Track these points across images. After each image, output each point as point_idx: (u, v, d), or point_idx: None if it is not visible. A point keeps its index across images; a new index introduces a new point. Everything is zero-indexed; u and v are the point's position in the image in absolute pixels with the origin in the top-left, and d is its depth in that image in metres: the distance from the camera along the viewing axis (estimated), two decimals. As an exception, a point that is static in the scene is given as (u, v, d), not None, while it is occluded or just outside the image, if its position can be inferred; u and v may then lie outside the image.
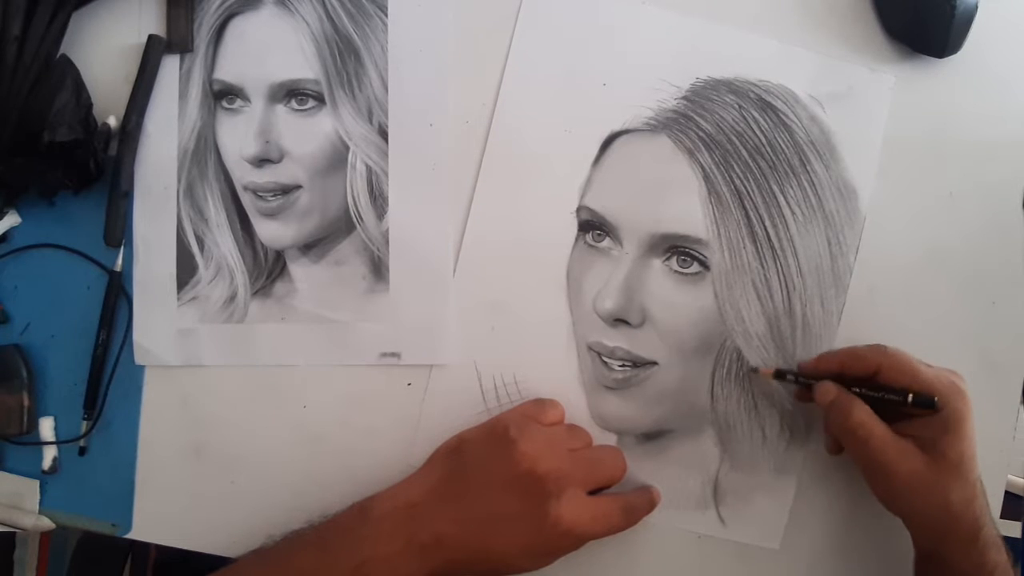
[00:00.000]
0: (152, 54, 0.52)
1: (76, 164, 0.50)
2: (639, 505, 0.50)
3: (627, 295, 0.52)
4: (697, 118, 0.52)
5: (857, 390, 0.47)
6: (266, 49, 0.52)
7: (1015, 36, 0.54)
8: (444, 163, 0.53)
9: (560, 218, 0.53)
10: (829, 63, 0.53)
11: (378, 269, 0.53)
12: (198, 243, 0.53)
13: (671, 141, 0.52)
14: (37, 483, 0.53)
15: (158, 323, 0.53)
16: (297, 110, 0.53)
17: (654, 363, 0.52)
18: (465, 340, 0.53)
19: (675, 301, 0.52)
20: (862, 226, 0.53)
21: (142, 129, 0.52)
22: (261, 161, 0.53)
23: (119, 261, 0.53)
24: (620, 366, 0.52)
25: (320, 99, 0.53)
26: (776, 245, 0.52)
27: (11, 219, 0.53)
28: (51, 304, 0.54)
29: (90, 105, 0.51)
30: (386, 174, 0.53)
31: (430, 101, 0.53)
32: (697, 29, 0.53)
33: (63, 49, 0.52)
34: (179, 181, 0.53)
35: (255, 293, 0.53)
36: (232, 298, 0.53)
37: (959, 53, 0.53)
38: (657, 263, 0.52)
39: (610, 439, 0.53)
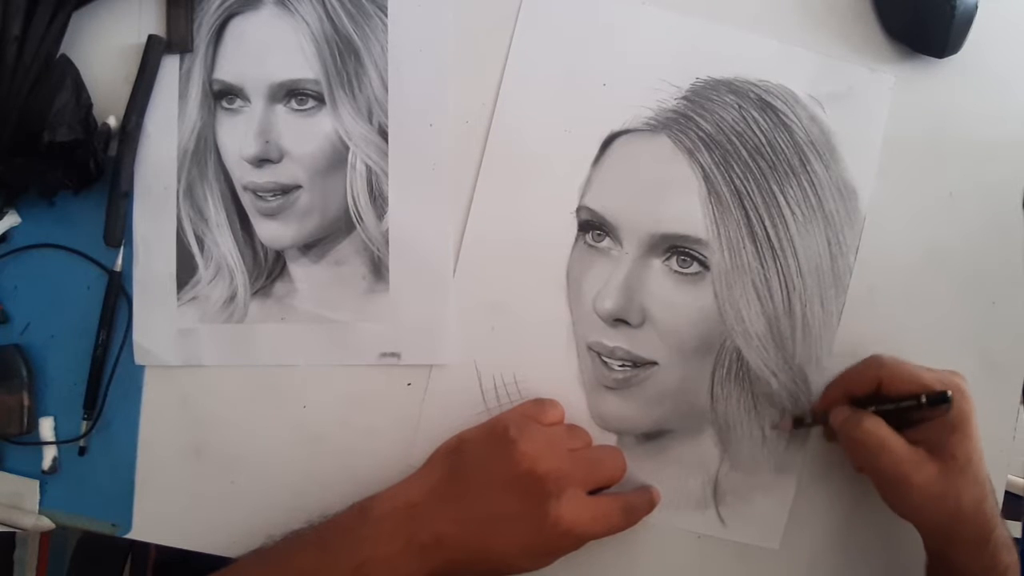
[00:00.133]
0: (152, 54, 0.52)
1: (76, 164, 0.50)
2: (639, 505, 0.50)
3: (627, 295, 0.52)
4: (697, 118, 0.52)
5: (872, 409, 0.47)
6: (266, 49, 0.52)
7: (1015, 36, 0.54)
8: (444, 163, 0.53)
9: (560, 218, 0.53)
10: (829, 63, 0.53)
11: (378, 269, 0.53)
12: (198, 243, 0.53)
13: (671, 141, 0.52)
14: (37, 483, 0.53)
15: (158, 323, 0.53)
16: (297, 110, 0.53)
17: (654, 363, 0.52)
18: (465, 340, 0.53)
19: (675, 301, 0.52)
20: (862, 226, 0.53)
21: (142, 129, 0.52)
22: (261, 161, 0.53)
23: (119, 261, 0.53)
24: (620, 366, 0.52)
25: (320, 99, 0.53)
26: (776, 245, 0.52)
27: (11, 219, 0.53)
28: (51, 304, 0.54)
29: (90, 105, 0.51)
30: (386, 174, 0.53)
31: (430, 101, 0.53)
32: (697, 29, 0.53)
33: (63, 49, 0.52)
34: (179, 181, 0.53)
35: (255, 293, 0.53)
36: (232, 298, 0.53)
37: (959, 53, 0.53)
38: (657, 263, 0.52)
39: (610, 439, 0.53)
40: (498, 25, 0.52)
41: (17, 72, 0.49)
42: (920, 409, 0.46)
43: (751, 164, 0.52)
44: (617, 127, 0.52)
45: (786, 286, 0.52)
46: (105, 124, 0.52)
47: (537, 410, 0.50)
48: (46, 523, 0.53)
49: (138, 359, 0.53)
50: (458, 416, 0.52)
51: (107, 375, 0.53)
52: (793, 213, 0.52)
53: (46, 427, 0.53)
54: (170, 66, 0.53)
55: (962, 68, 0.54)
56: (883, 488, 0.48)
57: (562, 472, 0.46)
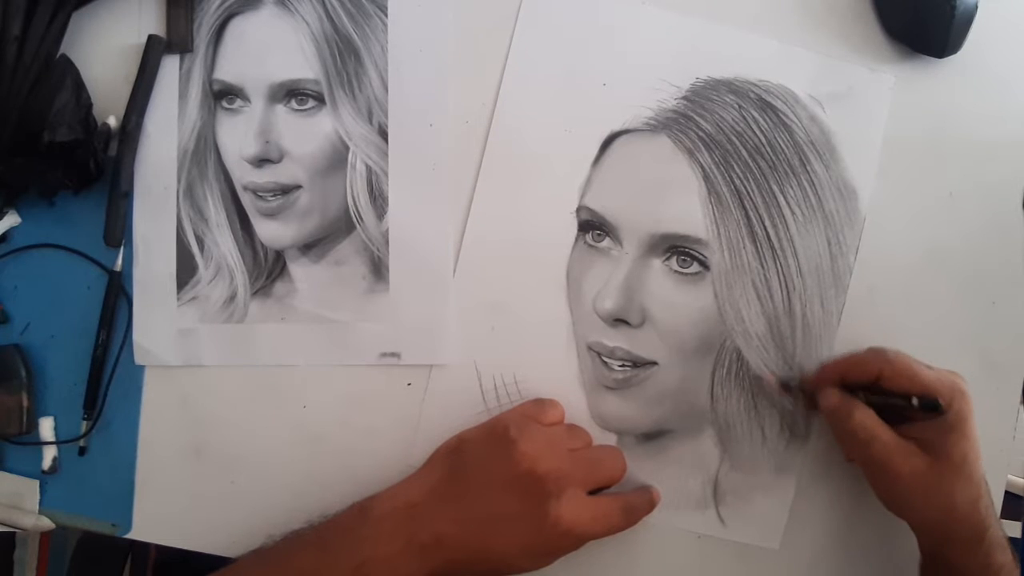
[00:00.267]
0: (152, 54, 0.52)
1: (76, 164, 0.50)
2: (639, 505, 0.50)
3: (627, 295, 0.52)
4: (697, 118, 0.52)
5: (862, 396, 0.47)
6: (266, 49, 0.52)
7: (1015, 36, 0.54)
8: (444, 163, 0.53)
9: (560, 218, 0.53)
10: (829, 63, 0.53)
11: (378, 269, 0.53)
12: (198, 243, 0.53)
13: (671, 141, 0.52)
14: (37, 483, 0.53)
15: (158, 323, 0.53)
16: (297, 110, 0.53)
17: (654, 363, 0.52)
18: (465, 340, 0.53)
19: (675, 301, 0.52)
20: (862, 226, 0.53)
21: (142, 129, 0.52)
22: (261, 161, 0.53)
23: (119, 261, 0.53)
24: (620, 366, 0.52)
25: (320, 99, 0.53)
26: (776, 245, 0.52)
27: (11, 219, 0.53)
28: (51, 304, 0.54)
29: (90, 105, 0.51)
30: (386, 174, 0.53)
31: (430, 101, 0.53)
32: (697, 29, 0.53)
33: (63, 49, 0.52)
34: (179, 181, 0.53)
35: (255, 293, 0.53)
36: (232, 298, 0.53)
37: (959, 53, 0.53)
38: (657, 263, 0.52)
39: (610, 439, 0.53)
40: (498, 25, 0.52)
41: (17, 72, 0.49)
42: (909, 409, 0.46)
43: (751, 164, 0.52)
44: (617, 127, 0.52)
45: (786, 286, 0.52)
46: (105, 124, 0.52)
47: (537, 410, 0.50)
48: (46, 523, 0.53)
49: (138, 359, 0.53)
50: (458, 416, 0.52)
51: (107, 375, 0.53)
52: (793, 213, 0.52)
53: (46, 427, 0.53)
54: (170, 66, 0.53)
55: (962, 68, 0.54)
56: (873, 479, 0.48)
57: (562, 472, 0.46)
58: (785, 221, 0.52)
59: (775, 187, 0.52)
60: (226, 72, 0.53)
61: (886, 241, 0.53)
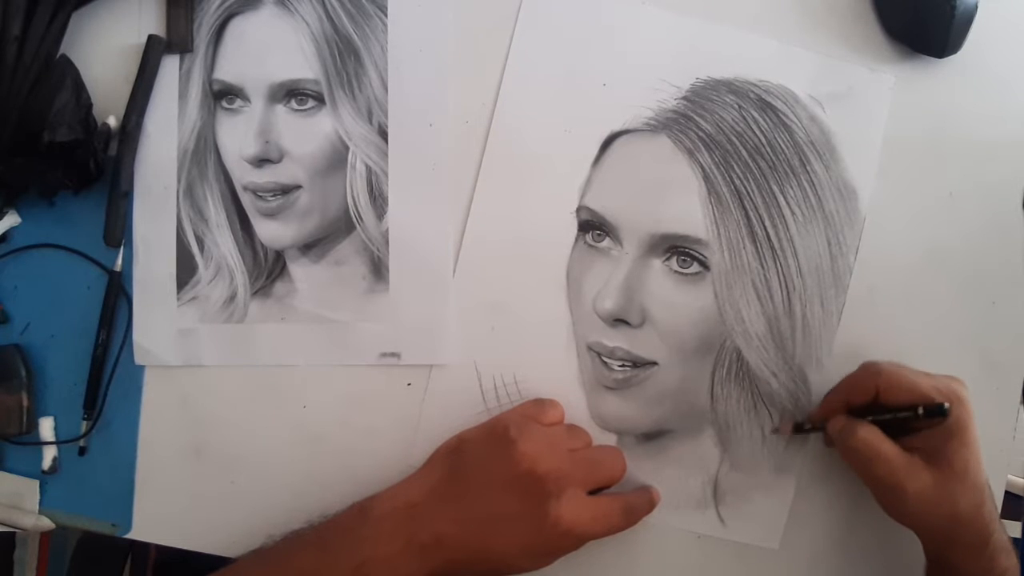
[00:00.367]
0: (152, 54, 0.52)
1: (76, 164, 0.50)
2: (639, 505, 0.50)
3: (627, 295, 0.52)
4: (697, 118, 0.52)
5: (870, 419, 0.47)
6: (266, 49, 0.52)
7: (1015, 36, 0.54)
8: (444, 163, 0.53)
9: (560, 218, 0.53)
10: (829, 63, 0.53)
11: (378, 269, 0.53)
12: (198, 243, 0.53)
13: (671, 141, 0.52)
14: (37, 483, 0.53)
15: (158, 323, 0.53)
16: (297, 110, 0.53)
17: (654, 363, 0.52)
18: (465, 340, 0.53)
19: (675, 301, 0.52)
20: (862, 226, 0.53)
21: (142, 129, 0.52)
22: (261, 161, 0.53)
23: (119, 261, 0.53)
24: (620, 366, 0.52)
25: (320, 99, 0.53)
26: (776, 245, 0.52)
27: (11, 219, 0.53)
28: (51, 304, 0.54)
29: (90, 105, 0.51)
30: (386, 174, 0.53)
31: (430, 101, 0.53)
32: (697, 29, 0.53)
33: (63, 49, 0.52)
34: (179, 181, 0.53)
35: (255, 293, 0.53)
36: (232, 298, 0.53)
37: (959, 53, 0.53)
38: (657, 263, 0.52)
39: (610, 439, 0.53)
40: (498, 25, 0.52)
41: (17, 72, 0.49)
42: (917, 419, 0.46)
43: (751, 164, 0.52)
44: (617, 127, 0.52)
45: (786, 286, 0.52)
46: (105, 124, 0.52)
47: (537, 410, 0.50)
48: (46, 523, 0.53)
49: (138, 359, 0.53)
50: (458, 416, 0.52)
51: (107, 375, 0.53)
52: (793, 213, 0.52)
53: (46, 427, 0.53)
54: (170, 66, 0.53)
55: (962, 68, 0.54)
56: (879, 496, 0.48)
57: (562, 472, 0.46)
58: (785, 221, 0.52)
59: (775, 187, 0.52)
60: (226, 72, 0.53)
61: (886, 241, 0.53)
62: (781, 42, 0.53)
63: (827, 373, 0.52)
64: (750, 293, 0.52)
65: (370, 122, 0.53)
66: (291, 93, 0.53)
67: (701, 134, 0.52)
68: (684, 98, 0.52)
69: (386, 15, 0.52)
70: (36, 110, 0.49)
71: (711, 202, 0.52)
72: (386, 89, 0.52)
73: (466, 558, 0.46)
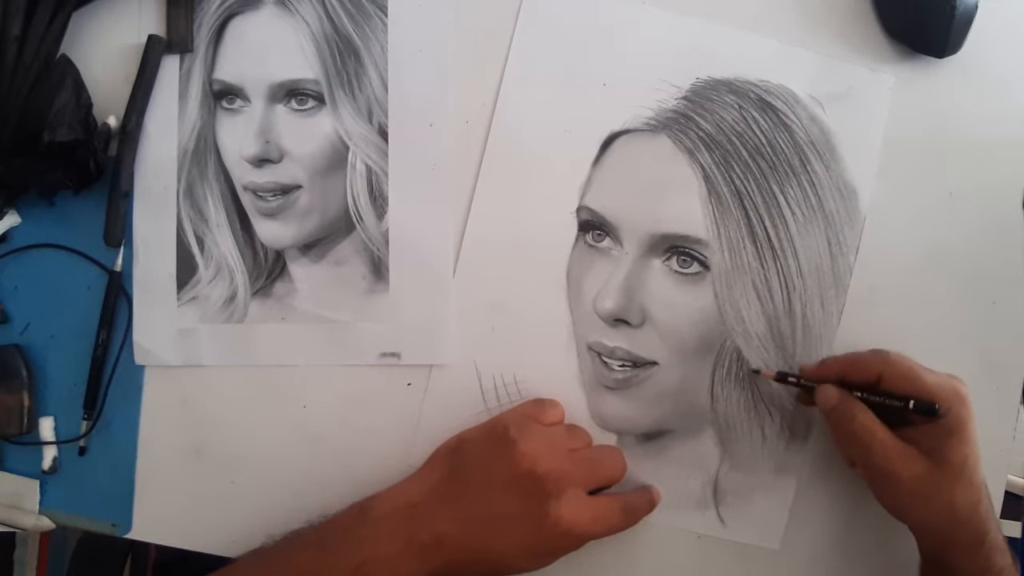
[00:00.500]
0: (152, 54, 0.52)
1: (76, 164, 0.50)
2: (639, 505, 0.50)
3: (627, 295, 0.52)
4: (697, 118, 0.52)
5: (859, 395, 0.47)
6: (266, 49, 0.52)
7: (1015, 36, 0.54)
8: (444, 163, 0.53)
9: (560, 218, 0.53)
10: (829, 63, 0.53)
11: (378, 269, 0.53)
12: (198, 243, 0.53)
13: (671, 141, 0.52)
14: (37, 483, 0.53)
15: (158, 323, 0.53)
16: (297, 110, 0.53)
17: (654, 363, 0.52)
18: (465, 340, 0.53)
19: (675, 301, 0.52)
20: (862, 226, 0.53)
21: (142, 129, 0.52)
22: (261, 161, 0.53)
23: (119, 261, 0.53)
24: (620, 366, 0.52)
25: (320, 99, 0.53)
26: (776, 245, 0.52)
27: (11, 219, 0.53)
28: (51, 304, 0.54)
29: (90, 105, 0.51)
30: (386, 174, 0.53)
31: (430, 101, 0.53)
32: (697, 29, 0.53)
33: (63, 49, 0.52)
34: (179, 181, 0.53)
35: (255, 293, 0.53)
36: (232, 298, 0.53)
37: (959, 53, 0.53)
38: (657, 263, 0.52)
39: (610, 439, 0.53)
40: (498, 25, 0.52)
41: (17, 72, 0.49)
42: (906, 411, 0.46)
43: (751, 164, 0.52)
44: (617, 127, 0.52)
45: (786, 286, 0.52)
46: (105, 124, 0.52)
47: (537, 410, 0.50)
48: (46, 523, 0.53)
49: (138, 359, 0.53)
50: (458, 416, 0.52)
51: (107, 375, 0.53)
52: (793, 213, 0.52)
53: (46, 427, 0.53)
54: (170, 66, 0.53)
55: (962, 68, 0.54)
56: (873, 483, 0.48)
57: (562, 472, 0.46)
58: (785, 221, 0.52)
59: (775, 187, 0.52)
60: (226, 72, 0.53)
61: (886, 241, 0.53)
62: (781, 42, 0.53)
63: (827, 373, 0.52)
64: (750, 293, 0.52)
65: (370, 122, 0.53)
66: (291, 93, 0.53)
67: (701, 134, 0.52)
68: (684, 98, 0.52)
69: (386, 15, 0.52)
70: (36, 110, 0.49)
71: (711, 202, 0.52)
72: (386, 89, 0.52)
73: (466, 558, 0.46)
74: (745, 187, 0.52)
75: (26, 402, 0.53)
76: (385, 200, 0.53)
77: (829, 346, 0.53)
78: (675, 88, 0.52)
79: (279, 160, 0.53)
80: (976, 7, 0.52)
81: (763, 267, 0.52)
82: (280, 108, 0.53)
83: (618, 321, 0.52)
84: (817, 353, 0.52)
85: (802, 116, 0.52)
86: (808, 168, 0.52)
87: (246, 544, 0.50)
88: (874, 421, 0.46)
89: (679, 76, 0.52)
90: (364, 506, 0.47)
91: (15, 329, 0.54)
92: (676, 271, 0.52)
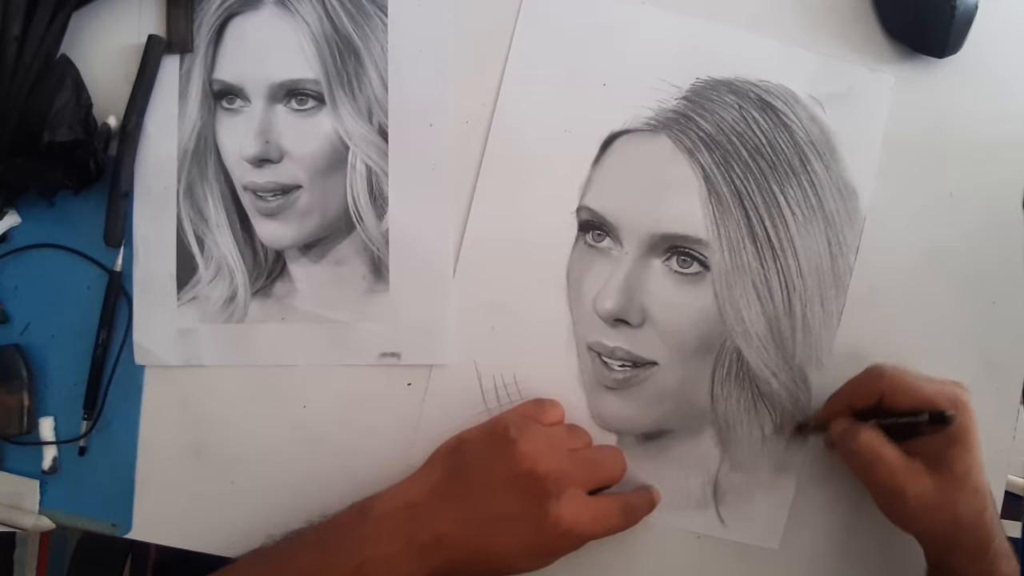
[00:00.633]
0: (152, 54, 0.52)
1: (76, 164, 0.50)
2: (639, 505, 0.50)
3: (627, 295, 0.52)
4: (697, 118, 0.52)
5: (875, 421, 0.47)
6: (266, 49, 0.52)
7: (1015, 36, 0.54)
8: (444, 163, 0.53)
9: (560, 218, 0.53)
10: (829, 63, 0.53)
11: (378, 269, 0.53)
12: (198, 243, 0.53)
13: (671, 141, 0.52)
14: (37, 483, 0.53)
15: (158, 323, 0.53)
16: (297, 110, 0.53)
17: (654, 363, 0.52)
18: (465, 340, 0.53)
19: (675, 301, 0.52)
20: (862, 226, 0.53)
21: (142, 129, 0.52)
22: (261, 161, 0.53)
23: (119, 261, 0.53)
24: (620, 366, 0.52)
25: (320, 99, 0.53)
26: (776, 245, 0.52)
27: (11, 219, 0.53)
28: (51, 304, 0.54)
29: (90, 105, 0.51)
30: (386, 174, 0.53)
31: (430, 101, 0.53)
32: (697, 29, 0.53)
33: (63, 49, 0.52)
34: (179, 181, 0.53)
35: (255, 293, 0.53)
36: (232, 298, 0.53)
37: (959, 53, 0.53)
38: (657, 263, 0.52)
39: (610, 439, 0.53)
40: (498, 25, 0.52)
41: (17, 72, 0.49)
42: (921, 425, 0.46)
43: (751, 164, 0.52)
44: (617, 127, 0.52)
45: (786, 286, 0.52)
46: (105, 124, 0.52)
47: (537, 410, 0.50)
48: (46, 523, 0.53)
49: (138, 359, 0.53)
50: (458, 416, 0.52)
51: (107, 375, 0.53)
52: (793, 213, 0.52)
53: (46, 427, 0.53)
54: (170, 66, 0.53)
55: (962, 68, 0.54)
56: (880, 500, 0.48)
57: (562, 472, 0.46)
58: (785, 221, 0.52)
59: (775, 187, 0.52)
60: (226, 72, 0.53)
61: (886, 241, 0.53)
62: (781, 42, 0.53)
63: (827, 373, 0.52)
64: (750, 293, 0.52)
65: (370, 122, 0.53)
66: (291, 93, 0.53)
67: (701, 134, 0.52)
68: (684, 98, 0.52)
69: (386, 15, 0.52)
70: (36, 110, 0.49)
71: (711, 202, 0.52)
72: (386, 89, 0.52)
73: (466, 558, 0.46)
74: (745, 187, 0.52)
75: (26, 402, 0.53)
76: (385, 200, 0.53)
77: (829, 346, 0.53)
78: (675, 88, 0.52)
79: (279, 160, 0.53)
80: (976, 7, 0.52)
81: (763, 267, 0.52)
82: (280, 108, 0.53)
83: (618, 321, 0.52)
84: (817, 353, 0.52)
85: (802, 116, 0.52)
86: (808, 168, 0.52)
87: (246, 544, 0.50)
88: (878, 439, 0.46)
89: (679, 76, 0.52)
90: (364, 506, 0.47)
91: (15, 329, 0.54)
92: (676, 271, 0.52)
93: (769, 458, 0.53)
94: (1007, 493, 0.56)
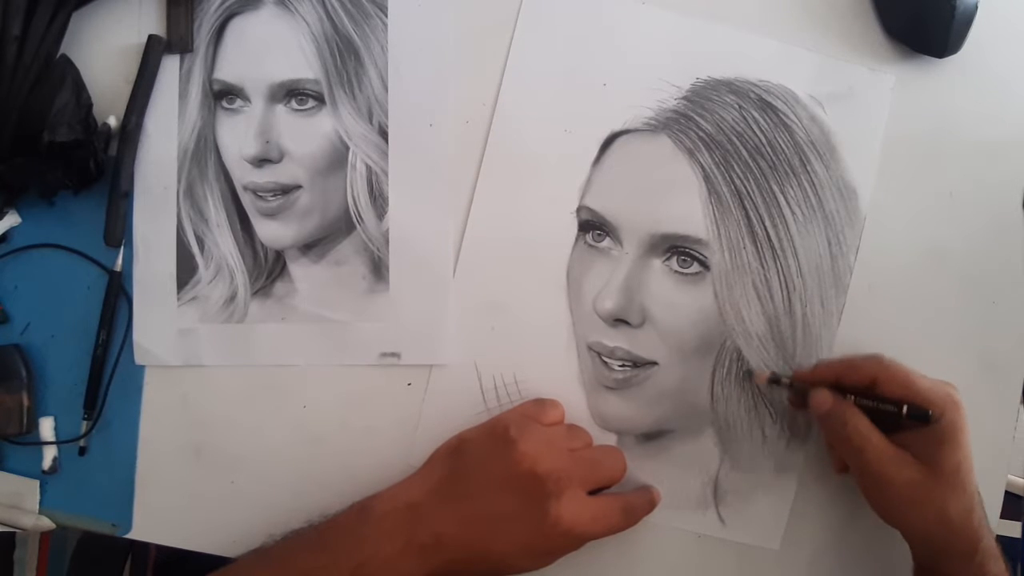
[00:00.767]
0: (152, 54, 0.52)
1: (76, 164, 0.50)
2: (639, 505, 0.50)
3: (627, 295, 0.52)
4: (697, 118, 0.52)
5: (853, 398, 0.47)
6: (266, 49, 0.52)
7: (1015, 36, 0.54)
8: (444, 163, 0.53)
9: (560, 218, 0.53)
10: (829, 63, 0.53)
11: (378, 269, 0.53)
12: (198, 243, 0.53)
13: (671, 141, 0.52)
14: (37, 483, 0.53)
15: (158, 323, 0.53)
16: (297, 110, 0.53)
17: (654, 363, 0.52)
18: (465, 340, 0.53)
19: (675, 301, 0.52)
20: (862, 226, 0.53)
21: (142, 129, 0.52)
22: (261, 161, 0.53)
23: (119, 261, 0.53)
24: (620, 366, 0.52)
25: (320, 99, 0.53)
26: (776, 245, 0.52)
27: (11, 219, 0.53)
28: (51, 304, 0.54)
29: (90, 105, 0.51)
30: (386, 174, 0.53)
31: (430, 101, 0.53)
32: (697, 29, 0.53)
33: (63, 49, 0.52)
34: (179, 181, 0.53)
35: (255, 293, 0.53)
36: (232, 298, 0.53)
37: (959, 53, 0.53)
38: (657, 263, 0.52)
39: (610, 439, 0.53)
40: (498, 25, 0.52)
41: (17, 72, 0.49)
42: (899, 416, 0.46)
43: (751, 164, 0.52)
44: (617, 127, 0.52)
45: (786, 286, 0.52)
46: (105, 124, 0.52)
47: (537, 410, 0.50)
48: (46, 523, 0.53)
49: (138, 359, 0.53)
50: (458, 416, 0.52)
51: (107, 375, 0.53)
52: (793, 213, 0.52)
53: (46, 427, 0.53)
54: (170, 66, 0.53)
55: (962, 68, 0.54)
56: (865, 487, 0.48)
57: (562, 472, 0.46)
58: (785, 221, 0.52)
59: (775, 187, 0.52)
60: (226, 72, 0.53)
61: (886, 241, 0.53)
62: (781, 42, 0.53)
63: (827, 373, 0.52)
64: (750, 293, 0.52)
65: (370, 122, 0.53)
66: (291, 93, 0.53)
67: (701, 134, 0.52)
68: (684, 98, 0.52)
69: (386, 15, 0.52)
70: (36, 110, 0.49)
71: (711, 202, 0.52)
72: (386, 89, 0.52)
73: (466, 558, 0.46)
74: (745, 187, 0.52)
75: (26, 402, 0.53)
76: (385, 200, 0.53)
77: (829, 346, 0.53)
78: (675, 88, 0.52)
79: (279, 160, 0.53)
80: (976, 7, 0.52)
81: (763, 267, 0.52)
82: (280, 108, 0.53)
83: (618, 321, 0.52)
84: (817, 353, 0.52)
85: (802, 116, 0.52)
86: (808, 168, 0.52)
87: (246, 544, 0.50)
88: (867, 425, 0.46)
89: (679, 76, 0.52)
90: (364, 506, 0.47)
91: (15, 329, 0.54)
92: (676, 271, 0.52)
93: (769, 458, 0.53)
94: (1007, 493, 0.56)
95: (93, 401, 0.53)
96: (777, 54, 0.53)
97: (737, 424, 0.53)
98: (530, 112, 0.53)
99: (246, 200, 0.53)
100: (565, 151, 0.53)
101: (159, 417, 0.53)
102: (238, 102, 0.53)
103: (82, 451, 0.53)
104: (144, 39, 0.52)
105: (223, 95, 0.53)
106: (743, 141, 0.52)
